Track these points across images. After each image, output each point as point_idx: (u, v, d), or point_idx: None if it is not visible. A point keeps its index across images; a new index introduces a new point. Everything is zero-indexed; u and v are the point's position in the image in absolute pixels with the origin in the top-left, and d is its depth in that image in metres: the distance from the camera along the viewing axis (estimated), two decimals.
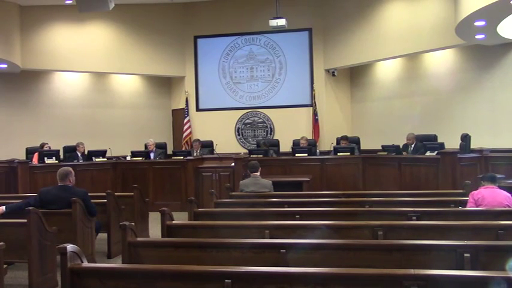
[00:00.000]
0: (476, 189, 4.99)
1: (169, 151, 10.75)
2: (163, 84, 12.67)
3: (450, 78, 9.66)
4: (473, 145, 7.90)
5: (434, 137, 8.59)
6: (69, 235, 4.87)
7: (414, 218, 4.45)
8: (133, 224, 3.55)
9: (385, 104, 11.03)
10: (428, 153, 7.88)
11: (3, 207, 5.05)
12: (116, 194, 6.15)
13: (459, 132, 8.07)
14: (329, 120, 11.52)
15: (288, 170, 8.92)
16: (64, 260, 2.77)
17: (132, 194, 6.61)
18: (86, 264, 2.92)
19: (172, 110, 12.68)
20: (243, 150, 11.27)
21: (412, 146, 8.58)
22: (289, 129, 11.32)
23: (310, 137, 10.85)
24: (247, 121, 11.97)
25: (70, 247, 2.82)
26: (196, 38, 12.05)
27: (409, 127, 9.44)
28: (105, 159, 9.45)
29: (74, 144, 9.61)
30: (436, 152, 7.64)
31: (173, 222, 4.17)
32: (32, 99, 10.89)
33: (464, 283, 2.45)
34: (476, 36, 8.04)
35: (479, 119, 8.97)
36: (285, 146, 10.27)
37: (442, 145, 7.86)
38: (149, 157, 9.67)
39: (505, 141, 8.34)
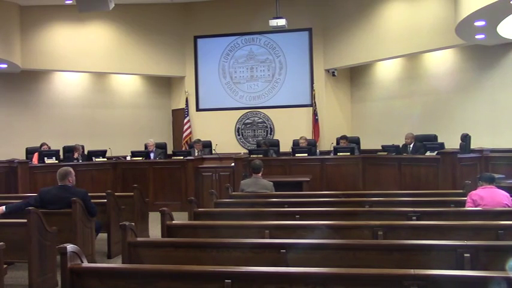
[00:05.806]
0: (475, 189, 4.99)
1: (169, 151, 10.75)
2: (163, 84, 12.67)
3: (450, 78, 9.66)
4: (473, 145, 7.90)
5: (434, 137, 8.59)
6: (69, 235, 4.88)
7: (414, 218, 4.44)
8: (133, 224, 3.54)
9: (385, 104, 11.03)
10: (428, 153, 7.87)
11: (3, 207, 5.05)
12: (116, 194, 6.15)
13: (459, 132, 8.07)
14: (329, 120, 11.52)
15: (288, 170, 8.92)
16: (64, 260, 2.77)
17: (132, 194, 6.61)
18: (86, 264, 2.91)
19: (172, 110, 12.68)
20: (243, 150, 11.28)
21: (411, 145, 8.58)
22: (289, 129, 11.32)
23: (310, 137, 10.85)
24: (247, 121, 11.97)
25: (70, 247, 2.81)
26: (196, 38, 12.05)
27: (409, 127, 9.44)
28: (105, 159, 9.45)
29: (74, 144, 9.59)
30: (436, 152, 7.63)
31: (173, 222, 4.16)
32: (32, 99, 10.90)
33: (464, 283, 2.45)
34: (476, 36, 8.04)
35: (479, 119, 8.96)
36: (285, 146, 10.26)
37: (442, 145, 7.85)
38: (149, 157, 9.66)
39: (505, 141, 8.34)
